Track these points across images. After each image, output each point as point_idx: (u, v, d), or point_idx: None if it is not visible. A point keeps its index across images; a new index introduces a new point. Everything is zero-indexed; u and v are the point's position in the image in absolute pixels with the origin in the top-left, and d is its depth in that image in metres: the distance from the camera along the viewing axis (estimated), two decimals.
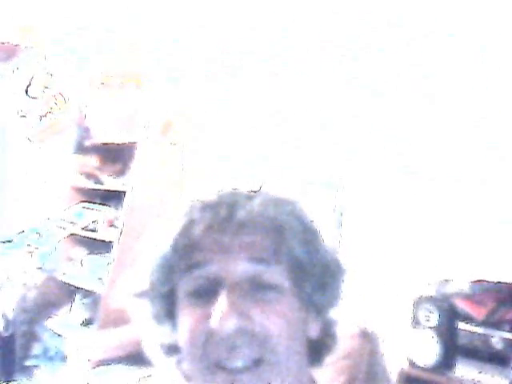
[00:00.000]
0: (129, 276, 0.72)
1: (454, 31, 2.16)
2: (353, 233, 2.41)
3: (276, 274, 0.64)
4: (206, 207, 0.68)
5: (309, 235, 0.69)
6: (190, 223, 0.67)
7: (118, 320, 2.80)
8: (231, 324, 0.60)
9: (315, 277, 0.67)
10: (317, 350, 0.70)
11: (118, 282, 0.70)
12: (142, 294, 0.70)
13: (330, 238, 0.73)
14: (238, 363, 0.61)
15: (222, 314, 0.60)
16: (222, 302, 0.61)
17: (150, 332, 0.72)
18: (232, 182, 0.73)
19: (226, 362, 0.61)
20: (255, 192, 0.70)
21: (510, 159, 2.06)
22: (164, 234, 0.69)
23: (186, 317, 0.64)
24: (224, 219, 0.65)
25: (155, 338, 0.72)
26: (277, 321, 0.62)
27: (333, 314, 0.71)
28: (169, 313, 0.68)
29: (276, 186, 0.72)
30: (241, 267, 0.63)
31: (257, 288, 0.63)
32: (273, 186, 0.72)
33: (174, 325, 0.68)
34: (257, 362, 0.61)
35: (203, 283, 0.64)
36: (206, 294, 0.63)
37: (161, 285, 0.68)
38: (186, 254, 0.66)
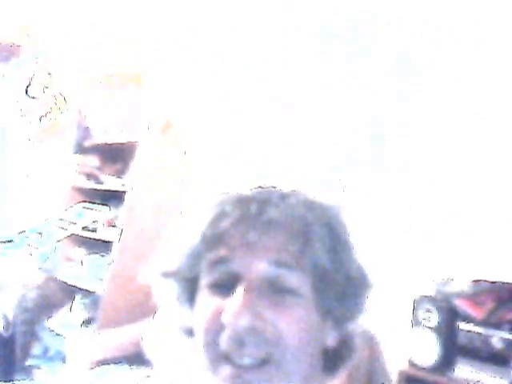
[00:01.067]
0: (160, 255, 0.73)
1: (455, 30, 2.16)
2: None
3: (296, 279, 0.64)
4: (238, 201, 0.68)
5: (337, 243, 0.68)
6: (221, 215, 0.67)
7: (118, 320, 2.81)
8: (242, 321, 0.60)
9: (337, 287, 0.67)
10: (332, 360, 0.70)
11: (150, 260, 0.70)
12: (168, 275, 0.71)
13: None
14: (246, 360, 0.61)
15: (234, 310, 0.61)
16: (237, 298, 0.62)
17: (172, 312, 0.73)
18: (232, 182, 0.73)
19: (234, 356, 0.62)
20: (291, 192, 0.70)
21: (510, 159, 2.06)
22: (196, 221, 0.69)
23: (203, 306, 0.65)
24: (253, 215, 0.66)
25: (176, 319, 0.73)
26: (290, 324, 0.62)
27: (353, 326, 0.70)
28: (190, 297, 0.69)
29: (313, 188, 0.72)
30: (261, 268, 0.63)
31: (275, 290, 0.63)
32: (313, 188, 0.71)
33: (193, 310, 0.69)
34: (264, 362, 0.62)
35: (224, 277, 0.65)
36: (224, 287, 0.64)
37: (186, 270, 0.69)
38: (212, 246, 0.66)
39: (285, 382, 0.63)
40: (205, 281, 0.67)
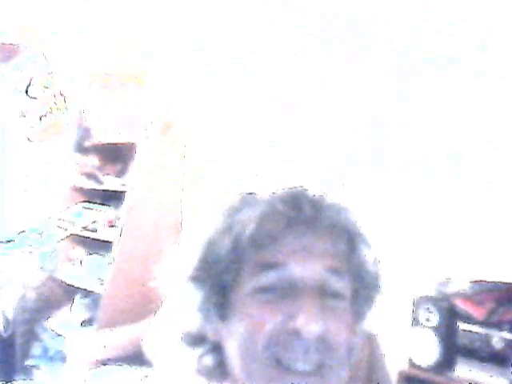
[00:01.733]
0: (177, 257, 0.69)
1: (455, 30, 2.16)
2: None
3: (345, 285, 0.64)
4: (289, 200, 0.64)
5: (368, 247, 0.69)
6: (272, 215, 0.63)
7: (118, 320, 2.81)
8: (316, 328, 0.59)
9: (367, 290, 0.68)
10: None
11: (162, 263, 0.65)
12: (196, 279, 0.66)
13: None
14: (306, 366, 0.60)
15: (308, 317, 0.59)
16: (308, 306, 0.60)
17: (183, 317, 0.70)
18: (232, 181, 0.72)
19: (293, 363, 0.60)
20: (324, 195, 0.68)
21: (510, 159, 2.06)
22: (236, 220, 0.65)
23: (251, 312, 0.62)
24: (309, 218, 0.64)
25: (186, 325, 0.70)
26: (341, 329, 0.62)
27: (361, 326, 0.70)
28: (221, 303, 0.66)
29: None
30: (318, 274, 0.62)
31: (327, 295, 0.63)
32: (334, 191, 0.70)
33: (222, 316, 0.66)
34: (319, 368, 0.61)
35: (277, 282, 0.62)
36: (278, 293, 0.62)
37: (223, 273, 0.65)
38: (262, 248, 0.63)
39: None
40: (250, 284, 0.63)
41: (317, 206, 0.65)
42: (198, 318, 0.68)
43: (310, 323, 0.59)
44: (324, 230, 0.64)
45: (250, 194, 0.69)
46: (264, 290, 0.62)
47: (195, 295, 0.67)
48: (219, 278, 0.65)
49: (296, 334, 0.60)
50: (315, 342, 0.60)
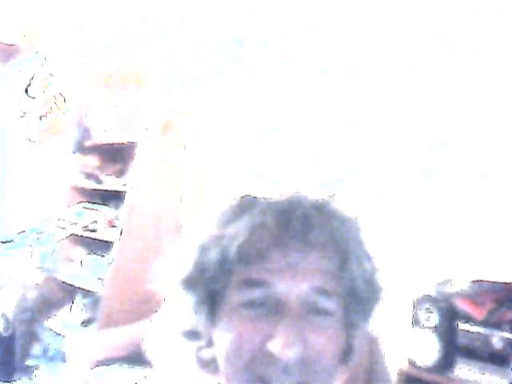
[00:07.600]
0: (173, 260, 0.68)
1: (454, 33, 2.16)
2: None
3: (333, 304, 0.63)
4: (279, 213, 0.63)
5: (367, 259, 0.67)
6: (260, 228, 0.62)
7: (118, 320, 2.81)
8: (293, 353, 0.59)
9: (363, 302, 0.67)
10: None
11: (159, 265, 0.65)
12: (188, 283, 0.66)
13: None
14: None
15: (285, 341, 0.58)
16: (286, 328, 0.59)
17: (179, 317, 0.69)
18: (232, 181, 0.71)
19: (274, 382, 0.60)
20: (321, 201, 0.66)
21: (510, 159, 2.06)
22: (229, 229, 0.64)
23: (236, 326, 0.62)
24: (299, 234, 0.62)
25: (182, 324, 0.69)
26: (328, 346, 0.62)
27: (360, 331, 0.69)
28: (211, 309, 0.66)
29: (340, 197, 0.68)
30: (303, 294, 0.61)
31: (313, 313, 0.62)
32: (339, 197, 0.68)
33: (213, 321, 0.66)
34: None
35: (261, 299, 0.61)
36: (262, 309, 0.61)
37: (213, 281, 0.65)
38: (249, 263, 0.62)
39: None
40: (236, 298, 0.63)
41: (309, 219, 0.63)
42: (193, 319, 0.68)
43: (285, 347, 0.58)
44: (313, 247, 0.62)
45: (248, 197, 0.67)
46: (249, 305, 0.62)
47: (188, 298, 0.67)
48: (209, 286, 0.65)
49: (268, 355, 0.59)
50: (294, 363, 0.59)
